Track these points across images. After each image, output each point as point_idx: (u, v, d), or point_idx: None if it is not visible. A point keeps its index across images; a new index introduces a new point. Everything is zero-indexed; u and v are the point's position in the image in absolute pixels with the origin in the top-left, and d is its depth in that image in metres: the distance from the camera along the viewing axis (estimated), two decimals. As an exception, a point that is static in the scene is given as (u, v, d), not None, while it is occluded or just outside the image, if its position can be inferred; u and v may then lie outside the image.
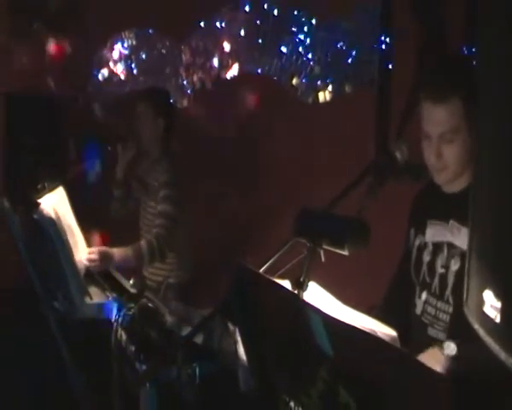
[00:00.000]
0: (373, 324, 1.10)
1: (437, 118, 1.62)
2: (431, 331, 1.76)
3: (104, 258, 2.46)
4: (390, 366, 0.95)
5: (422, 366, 0.91)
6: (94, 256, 2.43)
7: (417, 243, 1.83)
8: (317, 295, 1.22)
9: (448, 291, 1.72)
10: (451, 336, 1.70)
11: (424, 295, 1.78)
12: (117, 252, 2.57)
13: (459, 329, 1.65)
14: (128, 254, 2.62)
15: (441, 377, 0.96)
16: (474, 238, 0.98)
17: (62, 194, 2.43)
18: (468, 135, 1.63)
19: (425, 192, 1.90)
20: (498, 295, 0.81)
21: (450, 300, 1.71)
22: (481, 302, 0.87)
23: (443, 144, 1.65)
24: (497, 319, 0.80)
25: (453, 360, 1.51)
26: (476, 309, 0.90)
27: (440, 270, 1.74)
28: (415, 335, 1.80)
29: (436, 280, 1.75)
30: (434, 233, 1.78)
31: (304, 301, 1.18)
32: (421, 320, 1.78)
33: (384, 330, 1.08)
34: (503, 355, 0.77)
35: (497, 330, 0.80)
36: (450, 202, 1.75)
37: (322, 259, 1.29)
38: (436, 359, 1.51)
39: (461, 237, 1.68)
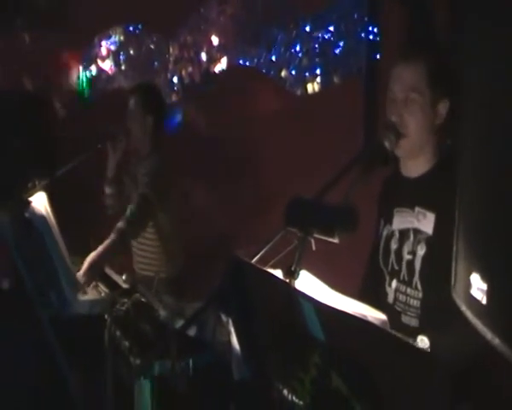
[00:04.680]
0: (363, 308, 1.11)
1: (402, 75, 1.75)
2: (404, 319, 1.76)
3: (94, 269, 2.44)
4: (381, 350, 0.96)
5: (413, 348, 0.92)
6: (86, 276, 2.40)
7: (385, 232, 1.85)
8: (308, 283, 1.23)
9: (416, 277, 1.73)
10: (423, 323, 1.71)
11: (394, 283, 1.80)
12: (101, 252, 2.52)
13: (430, 314, 1.68)
14: (108, 243, 2.59)
15: (433, 360, 0.97)
16: (460, 224, 0.99)
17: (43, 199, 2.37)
18: (429, 108, 1.71)
19: (390, 180, 1.93)
20: (484, 278, 0.83)
21: (419, 286, 1.73)
22: (468, 286, 0.88)
23: (405, 105, 1.72)
24: (484, 301, 0.82)
25: None
26: (464, 292, 0.92)
27: (407, 256, 1.76)
28: (389, 324, 1.81)
29: (404, 267, 1.77)
30: (401, 221, 1.80)
31: (295, 289, 1.19)
32: (394, 309, 1.79)
33: (374, 315, 1.10)
34: (489, 335, 0.79)
35: (483, 311, 0.82)
36: (414, 188, 1.78)
37: (313, 247, 1.30)
38: None
39: (426, 223, 1.71)
